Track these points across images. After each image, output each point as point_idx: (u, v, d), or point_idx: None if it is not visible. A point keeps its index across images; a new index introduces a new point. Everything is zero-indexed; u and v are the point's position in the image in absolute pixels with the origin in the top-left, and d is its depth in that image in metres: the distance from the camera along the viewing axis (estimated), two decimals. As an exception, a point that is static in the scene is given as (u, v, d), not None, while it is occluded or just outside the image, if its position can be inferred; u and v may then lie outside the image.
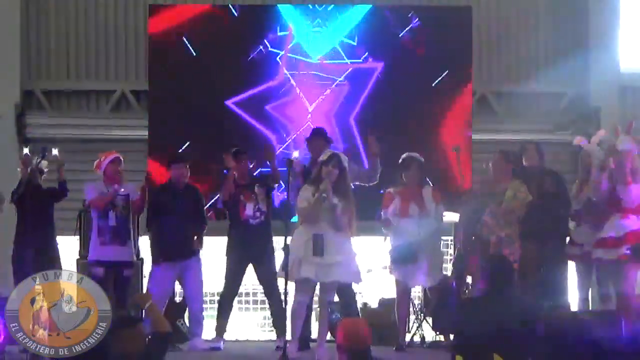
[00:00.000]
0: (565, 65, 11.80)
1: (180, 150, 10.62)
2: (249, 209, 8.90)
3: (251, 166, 9.43)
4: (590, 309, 8.68)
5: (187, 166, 9.01)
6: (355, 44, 11.08)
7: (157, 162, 10.54)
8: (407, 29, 11.07)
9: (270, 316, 9.43)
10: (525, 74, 12.05)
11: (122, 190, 8.84)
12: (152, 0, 11.47)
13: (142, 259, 9.55)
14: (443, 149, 10.80)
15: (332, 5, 11.18)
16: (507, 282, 5.92)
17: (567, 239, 8.72)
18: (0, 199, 8.91)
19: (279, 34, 11.06)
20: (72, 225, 9.63)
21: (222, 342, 8.88)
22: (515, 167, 8.62)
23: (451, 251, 10.57)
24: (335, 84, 11.05)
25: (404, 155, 8.83)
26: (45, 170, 8.98)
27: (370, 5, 11.21)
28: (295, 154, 9.12)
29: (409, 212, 8.65)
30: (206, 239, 9.15)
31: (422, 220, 8.64)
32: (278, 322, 8.82)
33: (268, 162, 9.21)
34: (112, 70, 11.84)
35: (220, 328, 9.01)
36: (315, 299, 8.38)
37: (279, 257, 8.39)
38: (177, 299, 9.50)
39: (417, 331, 9.37)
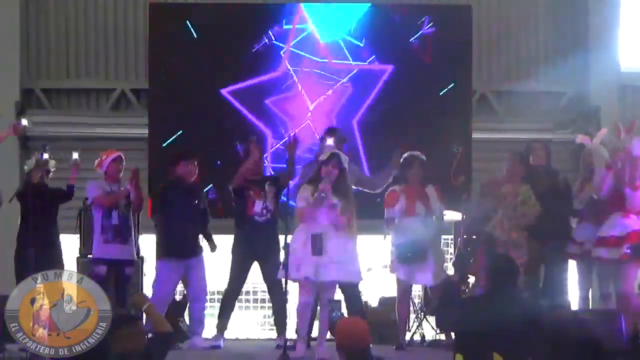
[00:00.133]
0: (565, 64, 11.81)
1: (173, 138, 10.59)
2: (258, 206, 8.75)
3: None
4: (590, 307, 8.68)
5: (196, 163, 8.90)
6: (362, 45, 11.03)
7: (159, 159, 10.39)
8: (417, 35, 11.01)
9: (270, 315, 9.39)
10: (525, 73, 12.05)
11: (122, 189, 8.84)
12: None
13: (142, 258, 9.55)
14: (443, 149, 10.77)
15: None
16: (510, 282, 5.90)
17: (568, 238, 8.74)
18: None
19: (284, 27, 11.01)
20: (73, 223, 9.63)
21: (222, 341, 8.83)
22: (526, 168, 8.56)
23: (451, 250, 10.57)
24: (338, 84, 11.01)
25: (405, 154, 8.81)
26: (52, 169, 8.97)
27: (369, 5, 11.17)
28: (329, 142, 8.71)
29: (416, 211, 8.62)
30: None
31: (427, 219, 8.63)
32: (279, 321, 8.81)
33: (288, 155, 8.79)
34: (111, 69, 11.85)
35: (222, 326, 8.94)
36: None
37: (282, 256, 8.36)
38: (177, 297, 9.49)
39: (417, 330, 9.38)
